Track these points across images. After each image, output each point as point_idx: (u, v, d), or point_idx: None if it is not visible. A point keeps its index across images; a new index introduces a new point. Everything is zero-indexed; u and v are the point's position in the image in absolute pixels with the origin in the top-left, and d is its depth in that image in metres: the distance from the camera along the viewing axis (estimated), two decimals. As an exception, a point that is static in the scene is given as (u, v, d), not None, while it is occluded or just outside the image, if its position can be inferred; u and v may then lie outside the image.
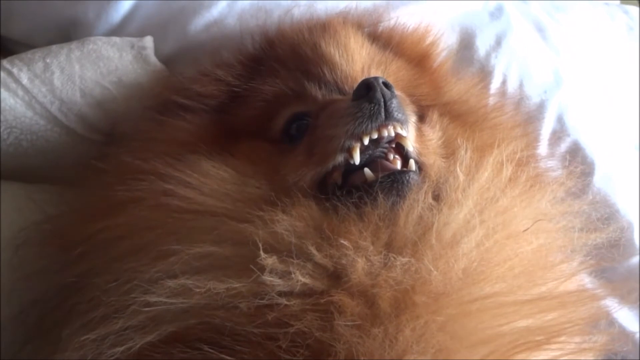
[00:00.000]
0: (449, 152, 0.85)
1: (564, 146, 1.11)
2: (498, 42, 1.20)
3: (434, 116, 0.90)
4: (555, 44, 1.26)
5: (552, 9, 1.36)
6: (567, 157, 1.05)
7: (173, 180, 0.76)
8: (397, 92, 0.80)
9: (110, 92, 1.01)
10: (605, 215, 0.89)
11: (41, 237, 0.86)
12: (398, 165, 0.77)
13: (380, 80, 0.77)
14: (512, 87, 1.15)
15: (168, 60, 1.09)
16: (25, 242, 0.86)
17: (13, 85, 0.98)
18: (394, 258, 0.66)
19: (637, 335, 0.94)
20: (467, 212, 0.72)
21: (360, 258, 0.66)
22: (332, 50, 0.90)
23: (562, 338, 0.67)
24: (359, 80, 0.80)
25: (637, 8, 1.47)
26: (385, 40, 0.99)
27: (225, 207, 0.74)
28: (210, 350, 0.62)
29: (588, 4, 1.44)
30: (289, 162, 0.80)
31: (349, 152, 0.76)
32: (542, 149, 1.09)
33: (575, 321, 0.69)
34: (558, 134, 1.11)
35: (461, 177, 0.76)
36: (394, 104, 0.76)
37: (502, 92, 1.14)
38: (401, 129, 0.77)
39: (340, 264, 0.66)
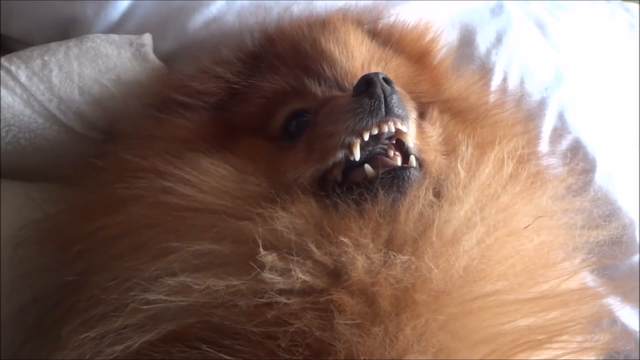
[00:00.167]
0: (450, 149, 0.85)
1: (565, 143, 1.11)
2: (499, 39, 1.19)
3: (434, 113, 0.90)
4: (556, 41, 1.25)
5: (552, 6, 1.36)
6: (568, 154, 1.05)
7: (172, 177, 0.76)
8: (398, 88, 0.79)
9: (109, 90, 1.00)
10: (606, 212, 0.89)
11: (40, 236, 0.86)
12: (398, 161, 0.77)
13: (381, 76, 0.76)
14: (512, 84, 1.14)
15: (167, 57, 1.09)
16: (24, 241, 0.86)
17: (11, 83, 0.97)
18: (394, 256, 0.66)
19: (639, 334, 0.93)
20: (468, 209, 0.71)
21: (360, 256, 0.66)
22: (332, 47, 0.89)
23: (564, 337, 0.67)
24: (359, 76, 0.80)
25: (638, 5, 1.47)
26: (385, 37, 0.99)
27: (225, 204, 0.73)
28: (209, 349, 0.62)
29: (588, 2, 1.44)
30: (288, 159, 0.80)
31: (349, 148, 0.75)
32: (543, 146, 1.08)
33: (578, 320, 0.69)
34: (559, 132, 1.11)
35: (462, 173, 0.75)
36: (395, 99, 0.76)
37: (503, 89, 1.13)
38: (402, 124, 0.77)
39: (340, 261, 0.66)
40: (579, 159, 1.00)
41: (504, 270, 0.69)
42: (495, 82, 1.14)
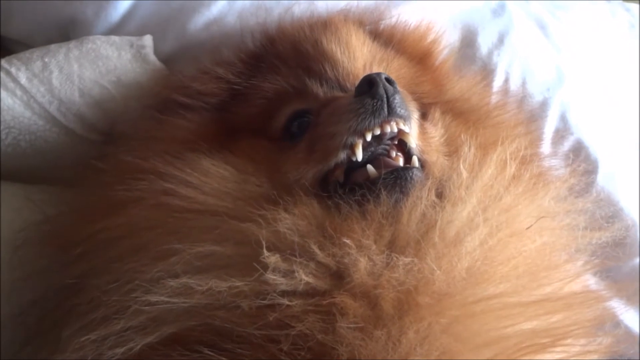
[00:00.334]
0: (452, 149, 0.85)
1: (567, 144, 1.10)
2: (500, 40, 1.19)
3: (436, 114, 0.90)
4: (557, 42, 1.25)
5: (552, 6, 1.36)
6: (571, 155, 1.05)
7: (173, 179, 0.76)
8: (400, 89, 0.79)
9: (109, 92, 1.00)
10: (609, 213, 0.88)
11: (40, 237, 0.85)
12: (401, 162, 0.76)
13: (383, 76, 0.76)
14: (514, 85, 1.14)
15: (168, 59, 1.09)
16: (24, 243, 0.85)
17: (11, 84, 0.97)
18: (397, 258, 0.65)
19: (640, 336, 0.93)
20: (471, 209, 0.71)
21: (363, 257, 0.65)
22: (334, 47, 0.89)
23: (568, 340, 0.67)
24: (361, 77, 0.79)
25: (638, 5, 1.47)
26: (386, 37, 0.99)
27: (226, 205, 0.73)
28: (210, 352, 0.62)
29: (589, 2, 1.44)
30: (290, 160, 0.79)
31: (351, 149, 0.75)
32: (545, 147, 1.08)
33: (581, 323, 0.68)
34: (561, 133, 1.11)
35: (464, 174, 0.75)
36: (397, 99, 0.76)
37: (505, 90, 1.13)
38: (404, 125, 0.76)
39: (342, 263, 0.66)
40: (581, 160, 0.99)
41: (507, 272, 0.68)
42: (497, 83, 1.14)
